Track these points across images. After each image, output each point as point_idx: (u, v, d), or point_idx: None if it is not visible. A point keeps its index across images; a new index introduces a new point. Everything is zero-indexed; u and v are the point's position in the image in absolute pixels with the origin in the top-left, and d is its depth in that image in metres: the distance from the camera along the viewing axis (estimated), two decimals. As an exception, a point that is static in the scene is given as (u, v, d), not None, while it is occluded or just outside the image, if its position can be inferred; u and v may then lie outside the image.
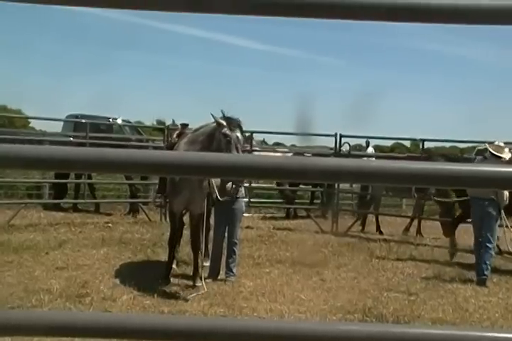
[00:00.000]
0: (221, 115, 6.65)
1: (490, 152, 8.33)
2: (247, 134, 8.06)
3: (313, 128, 14.11)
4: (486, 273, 8.00)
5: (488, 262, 8.07)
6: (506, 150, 8.38)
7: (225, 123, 6.51)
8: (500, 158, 8.14)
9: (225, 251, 7.61)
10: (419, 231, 12.28)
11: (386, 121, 45.72)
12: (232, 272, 7.50)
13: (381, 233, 12.52)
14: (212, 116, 6.68)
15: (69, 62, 61.62)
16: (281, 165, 1.28)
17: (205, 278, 7.03)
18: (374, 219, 13.01)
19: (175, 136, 8.12)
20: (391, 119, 50.94)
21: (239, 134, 6.51)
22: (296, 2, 1.23)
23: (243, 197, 7.76)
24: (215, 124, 6.66)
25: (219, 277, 7.47)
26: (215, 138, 6.53)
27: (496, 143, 8.50)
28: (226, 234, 7.57)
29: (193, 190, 6.93)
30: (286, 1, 1.23)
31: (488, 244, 8.09)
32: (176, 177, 6.81)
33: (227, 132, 6.43)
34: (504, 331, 1.34)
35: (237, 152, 6.39)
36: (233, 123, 6.54)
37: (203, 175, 1.58)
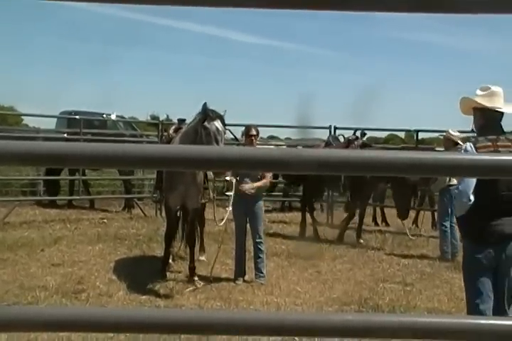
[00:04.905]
0: (206, 107, 6.48)
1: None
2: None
3: (309, 121, 14.13)
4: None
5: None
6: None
7: (205, 116, 6.39)
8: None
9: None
10: (414, 222, 12.31)
11: (380, 113, 45.78)
12: (262, 273, 7.28)
13: (376, 224, 12.56)
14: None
15: (64, 59, 61.47)
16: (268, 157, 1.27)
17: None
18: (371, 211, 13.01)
19: (172, 131, 8.08)
20: (385, 110, 51.07)
21: (219, 126, 6.37)
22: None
23: (261, 194, 7.39)
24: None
25: (246, 278, 7.29)
26: (198, 131, 6.47)
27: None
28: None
29: (189, 185, 6.92)
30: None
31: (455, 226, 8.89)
32: (171, 173, 6.80)
33: (206, 124, 6.35)
34: (499, 319, 1.34)
35: (217, 144, 6.28)
36: (213, 115, 6.42)
37: (190, 167, 1.57)
